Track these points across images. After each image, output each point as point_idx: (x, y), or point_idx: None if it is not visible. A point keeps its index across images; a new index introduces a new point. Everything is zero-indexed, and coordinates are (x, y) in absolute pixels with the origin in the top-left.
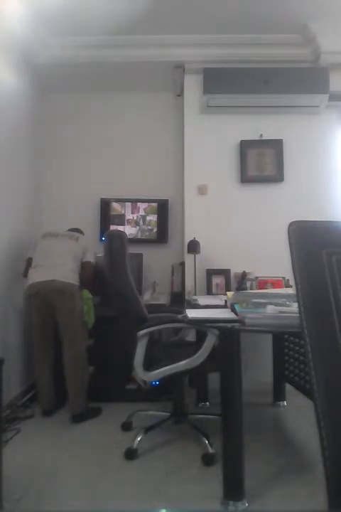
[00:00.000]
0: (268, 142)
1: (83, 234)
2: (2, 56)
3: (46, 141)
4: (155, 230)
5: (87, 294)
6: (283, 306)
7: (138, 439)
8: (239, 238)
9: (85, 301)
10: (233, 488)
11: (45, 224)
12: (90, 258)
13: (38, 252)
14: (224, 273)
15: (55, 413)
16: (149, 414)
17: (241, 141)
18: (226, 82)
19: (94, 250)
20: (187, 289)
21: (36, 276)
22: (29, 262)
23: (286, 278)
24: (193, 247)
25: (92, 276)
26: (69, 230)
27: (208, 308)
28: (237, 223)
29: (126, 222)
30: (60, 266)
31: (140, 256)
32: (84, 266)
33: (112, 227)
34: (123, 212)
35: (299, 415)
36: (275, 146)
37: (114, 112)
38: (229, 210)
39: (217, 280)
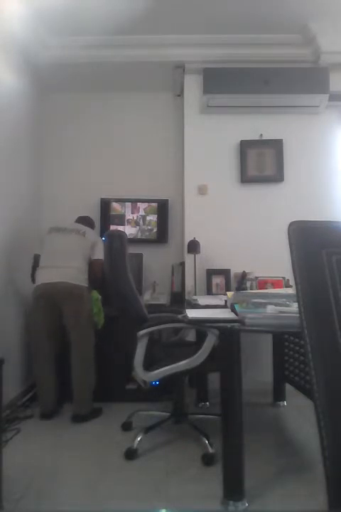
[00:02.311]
0: (268, 142)
1: (93, 221)
2: (2, 56)
3: (46, 141)
4: (155, 230)
5: (96, 294)
6: (283, 306)
7: (138, 439)
8: (239, 238)
9: (94, 302)
10: (233, 488)
11: (45, 224)
12: (99, 255)
13: (45, 251)
14: (224, 273)
15: (54, 416)
16: (149, 414)
17: (241, 141)
18: (226, 82)
19: (102, 245)
20: (187, 289)
21: (43, 277)
22: (36, 260)
23: (286, 278)
24: (193, 247)
25: (102, 275)
26: (78, 218)
27: (208, 308)
28: (237, 223)
29: (126, 222)
30: (68, 267)
31: (140, 256)
32: (93, 264)
33: (112, 227)
34: (123, 212)
35: (299, 415)
36: (275, 146)
37: (114, 111)
38: (229, 210)
39: (217, 280)
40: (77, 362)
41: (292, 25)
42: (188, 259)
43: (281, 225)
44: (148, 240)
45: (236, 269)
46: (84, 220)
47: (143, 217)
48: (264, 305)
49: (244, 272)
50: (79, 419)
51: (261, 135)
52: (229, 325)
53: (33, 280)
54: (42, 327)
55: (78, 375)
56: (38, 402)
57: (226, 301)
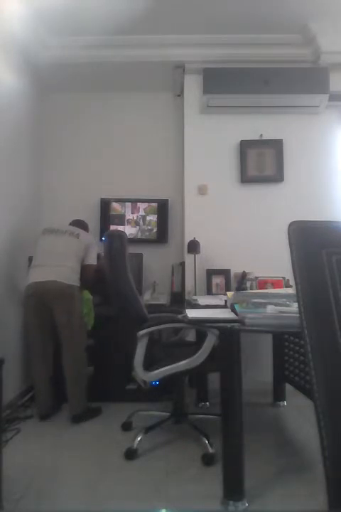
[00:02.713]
0: (268, 142)
1: (87, 225)
2: (2, 56)
3: (46, 141)
4: (155, 230)
5: (87, 294)
6: (283, 306)
7: (138, 439)
8: (239, 238)
9: (85, 302)
10: (233, 488)
11: (44, 224)
12: (92, 260)
13: (38, 251)
14: (224, 273)
15: (51, 417)
16: (149, 414)
17: (241, 141)
18: (226, 82)
19: (96, 249)
20: (187, 289)
21: (34, 276)
22: (31, 262)
23: (286, 278)
24: (193, 247)
25: (94, 280)
26: (72, 221)
27: (208, 308)
28: (237, 223)
29: (126, 222)
30: (60, 266)
31: (140, 256)
32: (85, 269)
33: (112, 227)
34: (123, 212)
35: (299, 415)
36: (275, 146)
37: (114, 111)
38: (229, 210)
39: (217, 280)
40: (69, 362)
41: (292, 25)
42: (188, 259)
43: (281, 225)
44: (148, 240)
45: (236, 269)
46: (79, 224)
47: (143, 217)
48: (264, 305)
49: (244, 272)
50: (76, 419)
51: (261, 135)
52: (229, 325)
53: None
54: (34, 326)
55: (70, 376)
56: (35, 404)
57: (226, 301)
